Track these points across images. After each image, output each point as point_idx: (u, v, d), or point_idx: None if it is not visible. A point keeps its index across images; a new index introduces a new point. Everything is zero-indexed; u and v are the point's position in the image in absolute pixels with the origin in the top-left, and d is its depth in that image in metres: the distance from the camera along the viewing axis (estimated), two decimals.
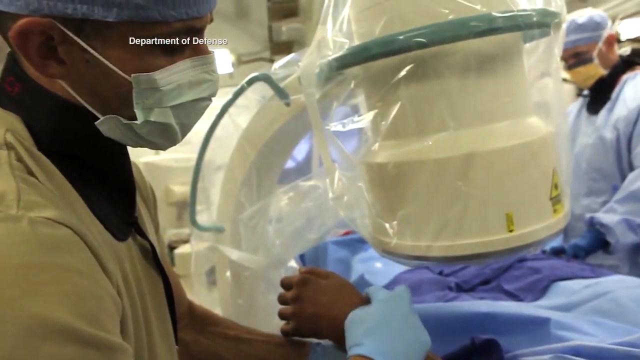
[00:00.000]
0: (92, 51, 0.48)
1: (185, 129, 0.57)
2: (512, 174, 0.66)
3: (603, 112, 1.83)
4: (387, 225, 0.71)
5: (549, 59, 0.75)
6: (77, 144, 0.54)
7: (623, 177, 1.72)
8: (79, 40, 0.47)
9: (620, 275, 1.18)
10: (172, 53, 0.52)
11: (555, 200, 0.71)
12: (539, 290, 1.14)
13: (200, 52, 0.54)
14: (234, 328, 0.87)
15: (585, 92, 1.95)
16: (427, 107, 0.67)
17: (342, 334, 0.69)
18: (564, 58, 1.83)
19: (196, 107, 0.56)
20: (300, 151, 2.12)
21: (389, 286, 1.44)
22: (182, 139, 0.58)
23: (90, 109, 0.52)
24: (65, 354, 0.38)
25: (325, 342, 0.83)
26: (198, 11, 0.51)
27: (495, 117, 0.68)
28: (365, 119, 0.74)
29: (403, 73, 0.67)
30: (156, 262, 0.64)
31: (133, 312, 0.53)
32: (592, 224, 1.60)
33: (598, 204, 1.80)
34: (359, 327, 0.67)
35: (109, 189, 0.57)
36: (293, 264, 1.23)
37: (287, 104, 0.92)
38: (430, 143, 0.66)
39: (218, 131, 1.12)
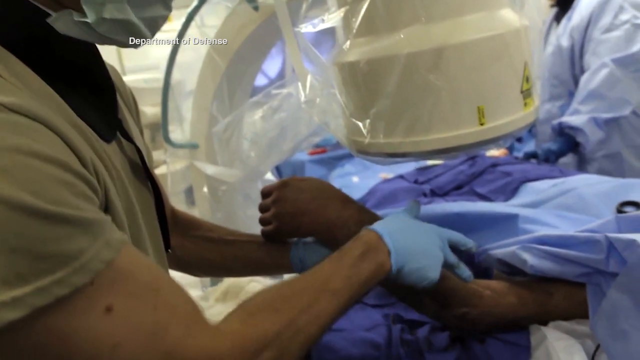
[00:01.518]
0: None
1: (152, 24, 0.51)
2: (483, 67, 0.66)
3: (563, 21, 1.92)
4: (360, 124, 0.71)
5: None
6: (40, 40, 0.48)
7: (576, 84, 1.81)
8: None
9: (586, 174, 1.23)
10: None
11: (526, 93, 0.72)
12: (509, 191, 1.18)
13: None
14: (215, 230, 0.88)
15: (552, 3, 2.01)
16: (398, 0, 0.65)
17: (322, 228, 0.71)
18: None
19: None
20: (273, 67, 2.08)
21: (366, 198, 1.47)
22: (152, 35, 0.52)
23: (39, 5, 0.47)
24: (46, 233, 0.37)
25: (306, 240, 0.86)
26: None
27: (467, 10, 0.66)
28: (336, 17, 0.72)
29: None
30: (144, 166, 0.61)
31: (125, 206, 0.52)
32: (561, 128, 1.67)
33: (557, 107, 1.91)
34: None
35: (85, 89, 0.52)
36: (270, 176, 1.24)
37: (256, 8, 0.89)
38: (402, 37, 0.65)
39: (187, 55, 1.08)
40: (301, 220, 0.78)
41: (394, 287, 0.79)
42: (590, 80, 1.69)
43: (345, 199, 0.84)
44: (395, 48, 0.65)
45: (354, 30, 0.70)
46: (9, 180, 0.36)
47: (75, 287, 0.38)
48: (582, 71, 1.81)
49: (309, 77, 0.81)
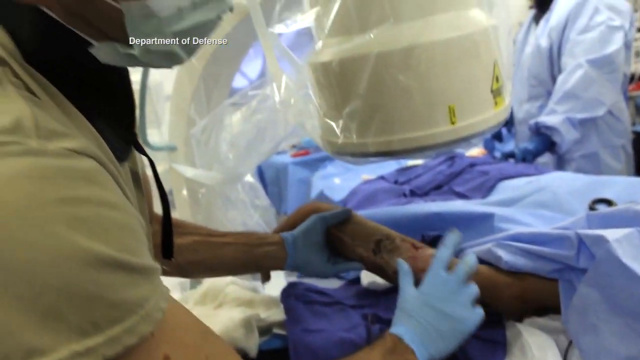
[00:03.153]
0: None
1: (192, 49, 0.50)
2: (453, 66, 0.67)
3: (542, 22, 1.95)
4: (334, 124, 0.71)
5: None
6: (70, 59, 0.47)
7: (554, 84, 1.83)
8: None
9: (560, 172, 1.25)
10: None
11: (496, 92, 0.73)
12: (486, 189, 1.19)
13: None
14: (201, 230, 0.89)
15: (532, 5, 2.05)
16: (368, 0, 0.66)
17: None
18: None
19: (203, 30, 0.48)
20: (253, 69, 2.08)
21: (347, 198, 1.48)
22: (189, 59, 0.51)
23: (81, 34, 0.46)
24: (118, 281, 0.38)
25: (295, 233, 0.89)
26: None
27: (436, 9, 0.67)
28: (308, 17, 0.73)
29: None
30: (156, 178, 0.60)
31: None
32: (538, 128, 1.70)
33: (536, 107, 1.94)
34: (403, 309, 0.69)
35: (109, 106, 0.52)
36: (250, 179, 1.24)
37: (231, 9, 0.88)
38: (372, 36, 0.65)
39: None
40: None
41: None
42: (566, 81, 1.72)
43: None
44: (365, 48, 0.66)
45: (326, 31, 0.71)
46: (84, 231, 0.36)
47: (141, 336, 0.38)
48: (560, 71, 1.84)
49: (284, 78, 0.82)
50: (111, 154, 0.47)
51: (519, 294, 0.77)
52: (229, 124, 1.09)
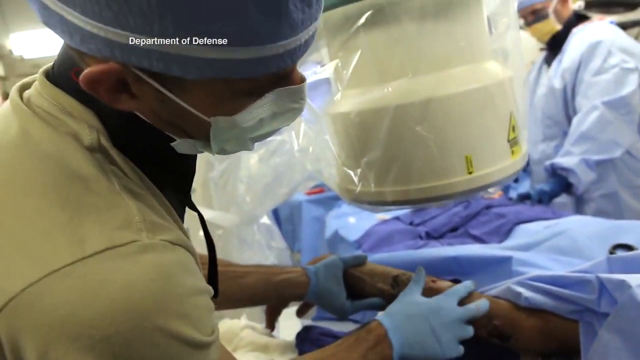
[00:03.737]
0: (168, 94, 0.43)
1: (258, 140, 0.52)
2: (470, 118, 0.68)
3: (554, 64, 1.96)
4: (352, 173, 0.73)
5: (506, 6, 0.77)
6: (149, 147, 0.49)
7: (570, 123, 1.83)
8: (154, 84, 0.42)
9: (578, 215, 1.24)
10: (259, 94, 0.45)
11: (513, 142, 0.74)
12: (503, 233, 1.19)
13: (291, 81, 0.46)
14: (223, 264, 0.87)
15: (543, 46, 2.05)
16: (387, 53, 0.68)
17: None
18: (522, 16, 1.93)
19: (273, 132, 0.51)
20: None
21: (362, 239, 1.48)
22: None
23: (165, 132, 0.49)
24: (203, 357, 0.44)
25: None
26: (292, 60, 0.43)
27: (452, 63, 0.69)
28: (327, 69, 0.75)
29: (362, 20, 0.67)
30: (205, 229, 0.63)
31: None
32: (554, 169, 1.69)
33: (552, 148, 1.93)
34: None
35: (175, 177, 0.54)
36: (266, 220, 1.25)
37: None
38: (390, 90, 0.67)
39: None
40: None
41: None
42: (581, 122, 1.72)
43: None
44: (384, 100, 0.68)
45: (345, 82, 0.73)
46: (189, 324, 0.42)
47: None
48: (575, 112, 1.83)
49: (302, 126, 0.84)
50: (182, 225, 0.50)
51: (539, 326, 0.76)
52: (246, 166, 1.11)
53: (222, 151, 0.49)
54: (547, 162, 1.73)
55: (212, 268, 0.64)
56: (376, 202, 0.73)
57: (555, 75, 1.92)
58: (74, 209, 0.41)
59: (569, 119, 1.87)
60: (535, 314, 0.76)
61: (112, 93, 0.43)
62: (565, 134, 1.84)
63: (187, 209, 0.60)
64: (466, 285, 0.75)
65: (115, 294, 0.38)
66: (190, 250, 0.46)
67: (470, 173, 0.69)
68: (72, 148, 0.44)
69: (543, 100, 1.97)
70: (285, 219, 2.45)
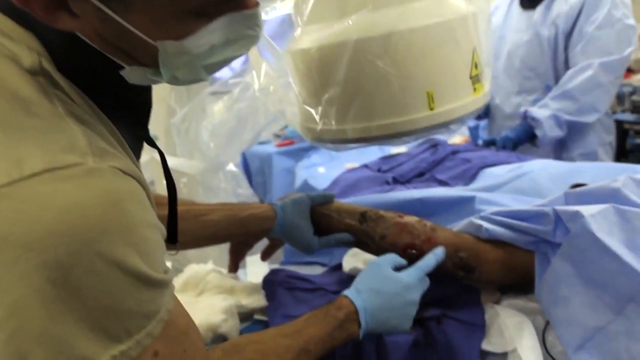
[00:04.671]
0: (108, 11, 0.40)
1: (213, 70, 0.50)
2: (431, 53, 0.67)
3: (540, 8, 1.77)
4: (313, 111, 0.72)
5: None
6: (97, 69, 0.47)
7: (556, 76, 1.73)
8: (93, 0, 0.40)
9: (541, 159, 1.26)
10: (209, 16, 0.43)
11: (475, 79, 0.74)
12: (468, 177, 1.20)
13: (244, 5, 0.45)
14: (186, 204, 0.85)
15: None
16: None
17: None
18: None
19: (229, 61, 0.50)
20: (237, 60, 2.06)
21: (330, 187, 1.48)
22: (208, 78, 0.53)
23: (112, 57, 0.46)
24: (152, 296, 0.42)
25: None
26: None
27: None
28: (287, 4, 0.72)
29: None
30: (165, 167, 0.61)
31: None
32: (525, 117, 1.66)
33: (529, 102, 1.81)
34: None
35: (129, 111, 0.52)
36: (232, 167, 1.24)
37: None
38: (350, 23, 0.65)
39: None
40: None
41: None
42: (570, 80, 1.64)
43: None
44: (344, 34, 0.66)
45: (305, 18, 0.70)
46: (137, 255, 0.40)
47: (153, 336, 0.42)
48: (566, 64, 1.71)
49: (263, 66, 0.81)
50: (135, 160, 0.49)
51: (501, 258, 0.79)
52: (210, 113, 1.09)
53: (174, 79, 0.47)
54: (523, 108, 1.69)
55: (172, 209, 0.62)
56: (338, 140, 0.72)
57: (544, 21, 1.74)
58: (13, 131, 0.38)
59: (555, 72, 1.74)
60: (498, 247, 0.79)
61: (48, 10, 0.40)
62: (548, 87, 1.73)
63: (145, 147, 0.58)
64: (437, 253, 0.76)
65: (54, 217, 0.36)
66: (142, 183, 0.44)
67: (432, 109, 0.69)
68: (10, 71, 0.41)
69: (524, 49, 1.79)
70: (256, 171, 2.44)
